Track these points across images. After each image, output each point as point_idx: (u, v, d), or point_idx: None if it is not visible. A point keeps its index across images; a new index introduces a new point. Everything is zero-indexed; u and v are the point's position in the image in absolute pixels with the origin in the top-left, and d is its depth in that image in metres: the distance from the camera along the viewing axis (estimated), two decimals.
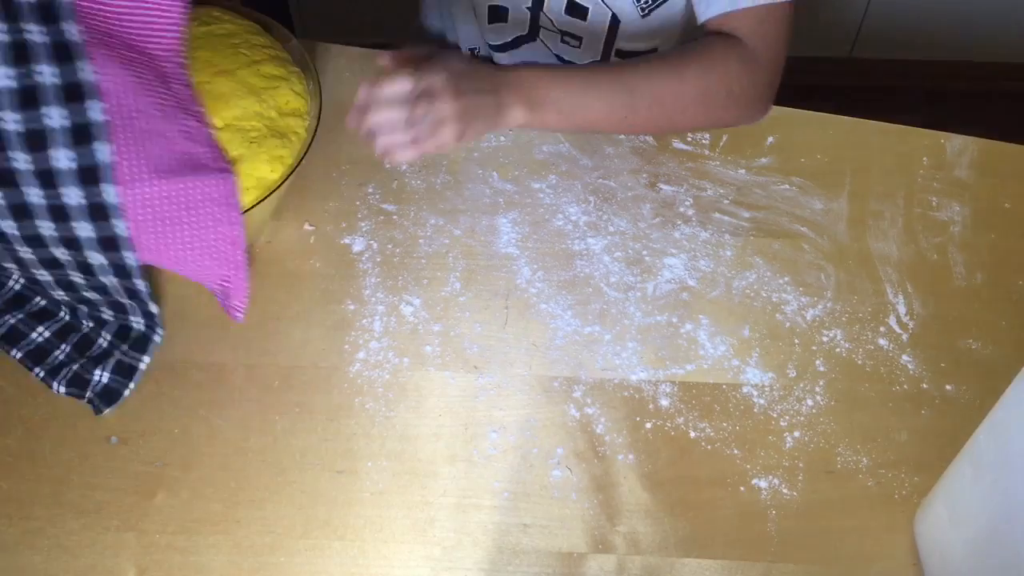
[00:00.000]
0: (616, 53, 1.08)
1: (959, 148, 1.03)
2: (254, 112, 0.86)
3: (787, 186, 1.00)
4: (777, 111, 1.04)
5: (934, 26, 1.93)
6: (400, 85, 0.82)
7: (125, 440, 0.84)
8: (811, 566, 0.79)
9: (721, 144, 1.02)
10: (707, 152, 1.02)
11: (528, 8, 1.06)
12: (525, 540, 0.80)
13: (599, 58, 1.09)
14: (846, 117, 1.05)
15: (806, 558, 0.80)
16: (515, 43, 1.13)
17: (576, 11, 1.03)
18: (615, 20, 1.04)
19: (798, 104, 1.06)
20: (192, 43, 0.87)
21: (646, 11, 1.02)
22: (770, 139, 1.03)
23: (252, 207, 0.83)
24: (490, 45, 1.14)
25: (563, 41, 1.09)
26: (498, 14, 1.09)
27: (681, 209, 0.98)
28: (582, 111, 0.89)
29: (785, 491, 0.82)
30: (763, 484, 0.83)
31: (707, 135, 1.03)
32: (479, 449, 0.84)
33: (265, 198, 0.84)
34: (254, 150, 0.85)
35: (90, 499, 0.82)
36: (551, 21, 1.07)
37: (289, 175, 0.85)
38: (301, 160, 0.86)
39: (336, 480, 0.83)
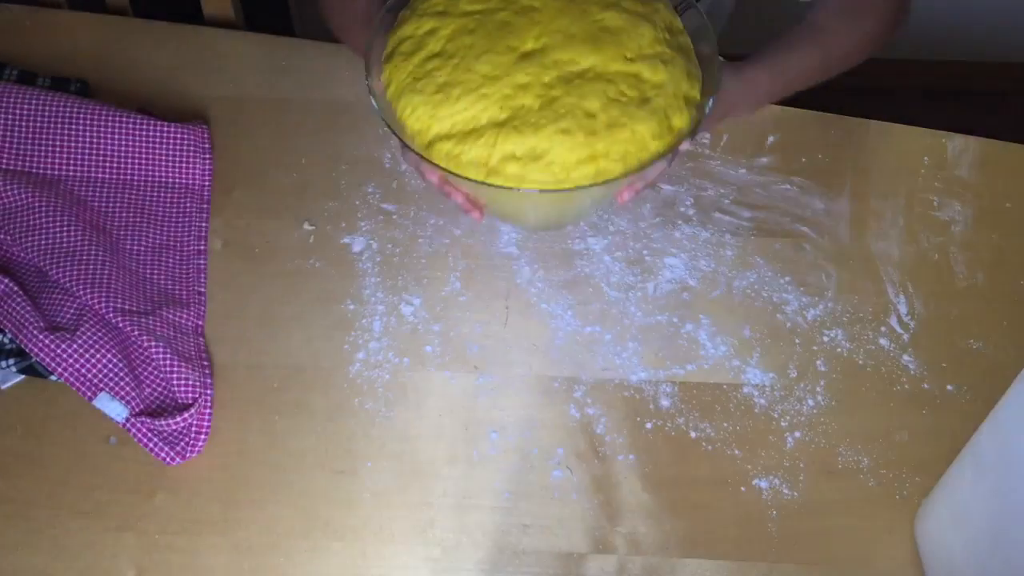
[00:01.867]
0: None
1: (960, 148, 1.03)
2: (652, 38, 0.78)
3: (788, 186, 1.00)
4: (777, 110, 1.04)
5: (934, 26, 1.92)
6: None
7: (125, 440, 0.84)
8: (812, 566, 0.79)
9: (722, 143, 1.02)
10: (708, 151, 1.01)
11: None
12: (525, 541, 0.80)
13: None
14: (846, 117, 1.05)
15: (807, 558, 0.79)
16: None
17: None
18: None
19: (798, 104, 1.06)
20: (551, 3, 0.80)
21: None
22: (771, 139, 1.03)
23: (690, 133, 0.77)
24: None
25: None
26: None
27: (682, 209, 0.98)
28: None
29: (786, 491, 0.82)
30: (764, 484, 0.83)
31: (707, 134, 1.02)
32: (479, 449, 0.84)
33: (698, 125, 0.77)
34: (671, 71, 0.77)
35: (90, 499, 0.81)
36: None
37: (714, 93, 0.78)
38: (718, 81, 0.79)
39: (336, 480, 0.83)
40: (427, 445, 0.84)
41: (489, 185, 0.74)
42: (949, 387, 0.88)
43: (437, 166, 0.75)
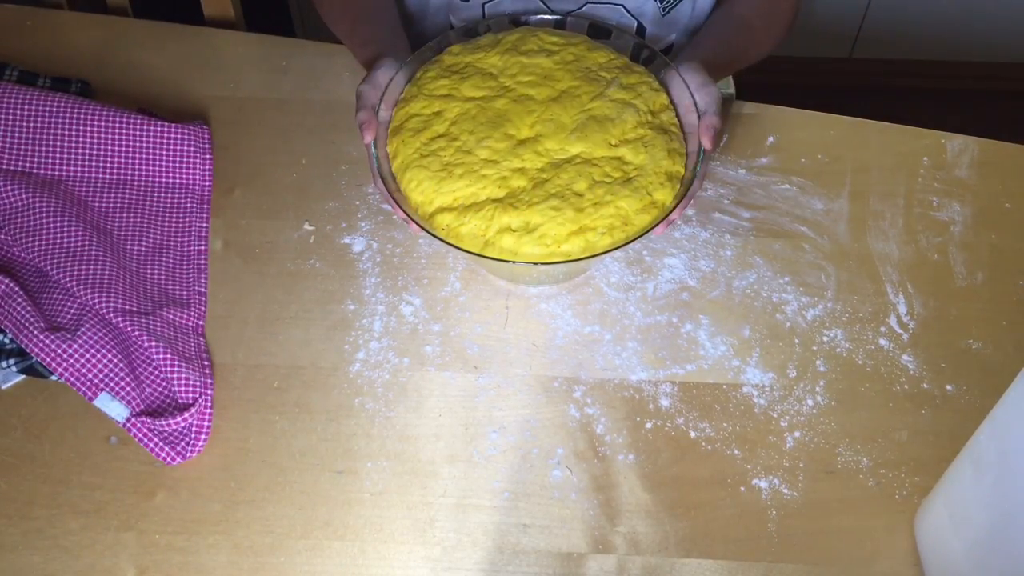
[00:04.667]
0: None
1: (959, 148, 1.03)
2: (635, 123, 0.87)
3: (787, 186, 1.00)
4: (777, 111, 1.05)
5: (934, 26, 1.93)
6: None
7: (125, 440, 0.84)
8: (811, 566, 0.79)
9: (721, 144, 1.02)
10: None
11: None
12: (525, 540, 0.80)
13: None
14: (846, 117, 1.05)
15: (806, 558, 0.79)
16: None
17: (601, 33, 1.03)
18: (640, 28, 1.05)
19: (798, 104, 1.06)
20: (556, 74, 0.90)
21: (667, 10, 1.03)
22: (770, 139, 1.03)
23: (674, 206, 0.84)
24: None
25: None
26: None
27: None
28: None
29: (785, 491, 0.82)
30: (763, 484, 0.83)
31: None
32: (479, 449, 0.84)
33: (687, 198, 0.84)
34: (651, 152, 0.86)
35: (90, 499, 0.81)
36: None
37: (696, 165, 0.85)
38: (700, 153, 0.86)
39: (336, 480, 0.83)
40: (427, 445, 0.85)
41: (487, 258, 0.82)
42: (948, 387, 0.88)
43: (438, 237, 0.82)
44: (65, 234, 0.92)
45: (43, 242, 0.91)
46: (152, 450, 0.83)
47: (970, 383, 0.88)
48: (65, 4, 1.18)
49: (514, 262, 0.81)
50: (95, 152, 0.97)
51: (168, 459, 0.83)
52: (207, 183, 0.99)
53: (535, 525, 0.81)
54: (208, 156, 0.99)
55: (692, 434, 0.85)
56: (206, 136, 1.00)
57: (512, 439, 0.85)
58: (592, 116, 0.87)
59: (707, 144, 0.85)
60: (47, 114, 0.96)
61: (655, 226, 0.83)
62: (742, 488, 0.83)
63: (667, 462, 0.84)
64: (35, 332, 0.85)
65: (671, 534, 0.80)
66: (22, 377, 0.87)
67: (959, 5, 1.90)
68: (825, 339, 0.90)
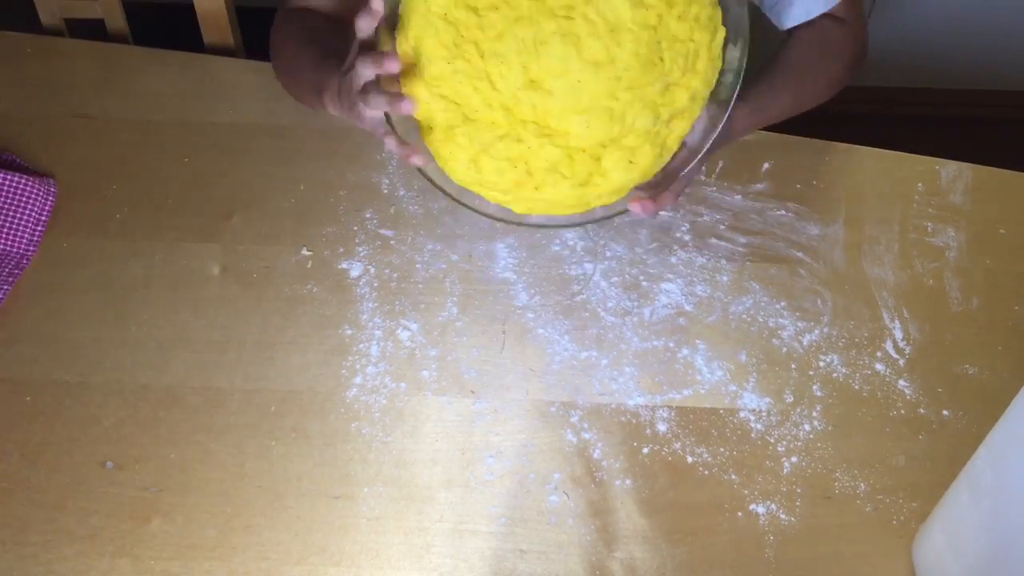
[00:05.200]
0: None
1: (953, 174, 1.04)
2: (644, 130, 0.77)
3: (783, 212, 1.00)
4: (772, 137, 1.05)
5: (927, 55, 1.94)
6: None
7: (121, 465, 0.84)
8: None
9: (718, 170, 1.03)
10: (704, 178, 1.02)
11: None
12: (522, 566, 0.80)
13: None
14: (841, 143, 1.06)
15: None
16: None
17: None
18: None
19: (793, 131, 1.07)
20: (622, 36, 0.74)
21: None
22: (766, 165, 1.03)
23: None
24: None
25: None
26: None
27: (678, 234, 0.98)
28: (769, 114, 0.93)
29: (783, 516, 0.82)
30: (761, 509, 0.83)
31: None
32: (476, 474, 0.84)
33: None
34: (629, 171, 0.78)
35: (85, 525, 0.81)
36: None
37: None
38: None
39: (332, 506, 0.82)
40: (424, 470, 0.84)
41: (445, 191, 0.80)
42: (945, 412, 0.88)
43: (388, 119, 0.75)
44: None
45: None
46: None
47: (966, 408, 0.88)
48: (65, 31, 1.19)
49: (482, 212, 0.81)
50: None
51: None
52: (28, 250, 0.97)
53: (532, 551, 0.81)
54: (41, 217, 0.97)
55: (689, 459, 0.85)
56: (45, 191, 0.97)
57: (509, 464, 0.85)
58: (611, 109, 0.75)
59: (635, 208, 0.79)
60: None
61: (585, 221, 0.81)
62: (739, 513, 0.82)
63: (664, 487, 0.84)
64: None
65: (668, 560, 0.80)
66: None
67: (953, 34, 1.91)
68: (822, 364, 0.91)
